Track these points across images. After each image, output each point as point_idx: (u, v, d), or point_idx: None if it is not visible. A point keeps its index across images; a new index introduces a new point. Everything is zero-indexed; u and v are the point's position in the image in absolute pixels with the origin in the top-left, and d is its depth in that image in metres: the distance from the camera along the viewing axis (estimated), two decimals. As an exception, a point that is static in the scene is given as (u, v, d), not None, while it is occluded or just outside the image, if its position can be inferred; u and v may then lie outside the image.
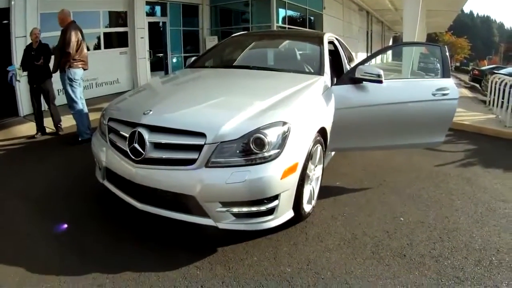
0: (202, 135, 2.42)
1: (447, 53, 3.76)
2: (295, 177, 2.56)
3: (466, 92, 13.25)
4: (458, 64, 55.31)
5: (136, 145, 2.55)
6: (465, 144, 5.77)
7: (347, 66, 4.48)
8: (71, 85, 5.27)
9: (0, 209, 3.30)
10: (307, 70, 3.85)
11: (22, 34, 7.14)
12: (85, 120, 5.50)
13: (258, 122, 2.49)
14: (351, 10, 22.84)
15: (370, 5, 25.26)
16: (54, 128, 6.05)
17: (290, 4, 13.98)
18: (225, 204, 2.42)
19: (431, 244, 2.76)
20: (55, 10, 5.38)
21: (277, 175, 2.39)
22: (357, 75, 3.41)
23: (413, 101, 3.55)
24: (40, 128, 5.96)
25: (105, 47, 10.01)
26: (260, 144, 2.40)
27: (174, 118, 2.62)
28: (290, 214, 2.66)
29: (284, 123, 2.54)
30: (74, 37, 5.17)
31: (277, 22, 13.10)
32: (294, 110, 2.74)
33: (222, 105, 2.89)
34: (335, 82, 3.62)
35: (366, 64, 3.58)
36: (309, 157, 2.77)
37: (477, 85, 17.94)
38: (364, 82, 3.44)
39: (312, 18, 16.81)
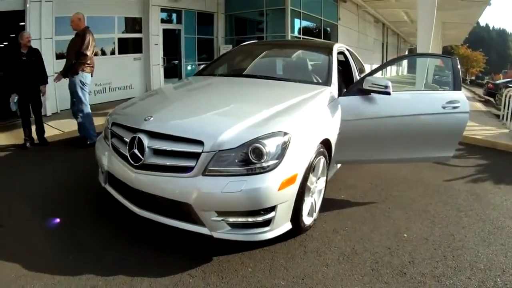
0: (200, 142, 2.40)
1: (459, 65, 3.68)
2: (293, 188, 2.51)
3: (480, 106, 13.03)
4: (473, 78, 54.59)
5: (136, 151, 2.55)
6: (476, 159, 5.63)
7: (357, 77, 4.42)
8: (82, 89, 5.35)
9: (3, 208, 3.33)
10: (314, 80, 3.80)
11: (37, 37, 7.30)
12: (92, 124, 5.55)
13: (257, 132, 2.45)
14: (366, 21, 22.80)
15: (386, 17, 25.20)
16: (37, 139, 5.62)
17: (305, 14, 13.96)
18: (220, 213, 2.39)
19: (433, 263, 2.66)
20: (71, 14, 5.42)
21: (274, 186, 2.35)
22: (365, 86, 3.35)
23: (422, 113, 3.48)
24: (30, 137, 5.51)
25: (119, 53, 10.14)
26: (259, 154, 2.37)
27: (173, 125, 2.62)
28: (287, 226, 2.61)
29: (285, 134, 2.50)
30: (92, 41, 5.27)
31: (292, 32, 13.09)
32: (296, 121, 2.70)
33: (223, 114, 2.87)
34: (343, 93, 3.57)
35: (374, 75, 3.52)
36: (310, 168, 2.72)
37: (492, 99, 17.69)
38: (372, 93, 3.37)
39: (328, 29, 16.78)
